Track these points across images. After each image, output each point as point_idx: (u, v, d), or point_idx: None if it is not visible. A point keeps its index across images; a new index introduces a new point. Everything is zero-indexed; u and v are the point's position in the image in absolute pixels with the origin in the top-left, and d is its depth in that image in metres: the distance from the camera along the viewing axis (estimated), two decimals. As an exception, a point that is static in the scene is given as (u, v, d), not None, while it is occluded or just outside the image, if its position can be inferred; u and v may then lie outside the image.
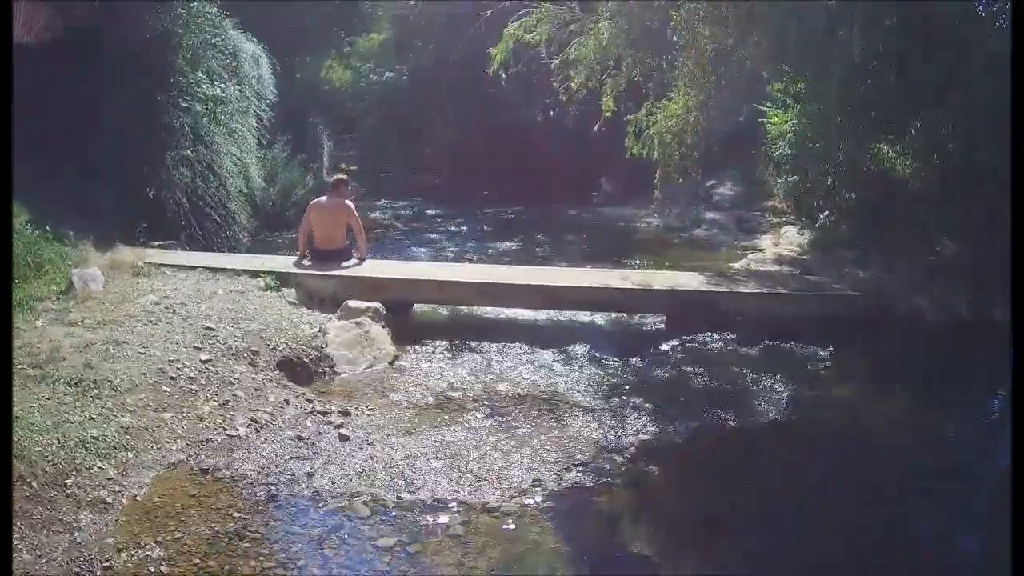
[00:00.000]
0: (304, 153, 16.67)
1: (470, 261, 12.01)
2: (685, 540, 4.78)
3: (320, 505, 4.67)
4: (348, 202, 9.23)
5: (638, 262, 12.40)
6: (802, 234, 13.34)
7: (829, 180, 12.26)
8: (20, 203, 8.08)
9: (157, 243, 9.93)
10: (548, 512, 4.77)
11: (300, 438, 5.44)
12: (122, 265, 8.48)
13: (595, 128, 10.91)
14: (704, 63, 9.86)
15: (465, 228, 15.52)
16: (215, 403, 5.63)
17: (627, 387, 6.93)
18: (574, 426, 6.01)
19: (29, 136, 7.60)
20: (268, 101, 13.60)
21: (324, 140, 20.01)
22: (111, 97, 10.25)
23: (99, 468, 4.69)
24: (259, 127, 13.29)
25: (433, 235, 14.63)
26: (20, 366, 5.51)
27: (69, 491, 4.46)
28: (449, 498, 4.80)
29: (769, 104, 13.83)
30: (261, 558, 4.13)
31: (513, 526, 4.60)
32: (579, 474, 5.24)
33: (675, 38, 9.24)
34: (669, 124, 11.02)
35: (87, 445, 4.81)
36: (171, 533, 4.26)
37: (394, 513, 4.65)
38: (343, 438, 5.52)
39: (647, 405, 6.48)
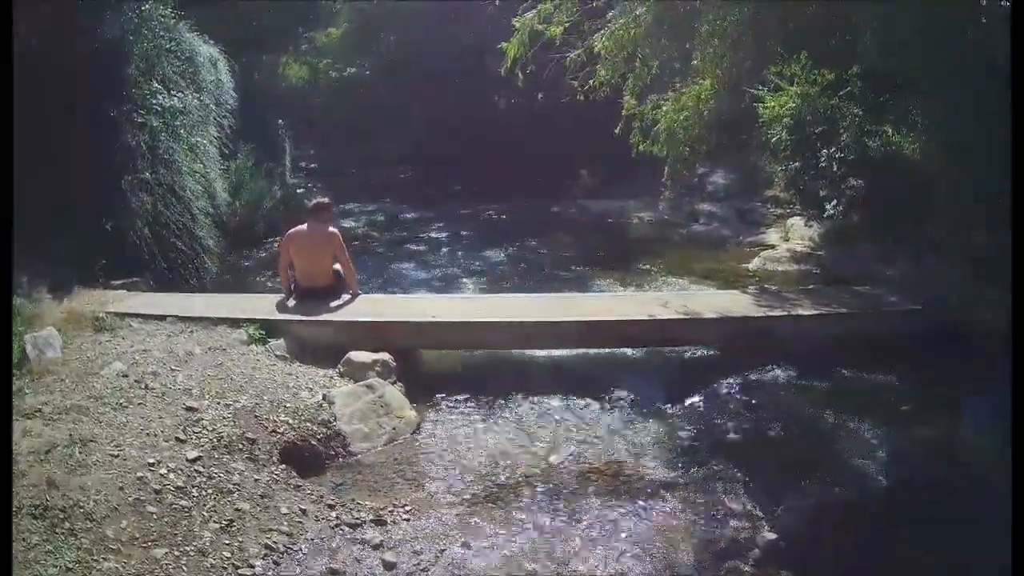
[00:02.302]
0: (268, 158, 15.35)
1: (469, 279, 10.96)
2: None
3: None
4: (333, 229, 7.95)
5: (648, 267, 11.44)
6: (810, 226, 12.64)
7: (835, 166, 11.48)
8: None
9: (119, 282, 8.68)
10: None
11: (334, 572, 4.26)
12: (81, 318, 7.19)
13: (616, 130, 9.86)
14: (724, 49, 8.87)
15: (447, 233, 14.39)
16: (216, 525, 4.41)
17: (700, 447, 5.90)
18: (664, 513, 4.96)
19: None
20: (228, 107, 12.24)
21: (287, 142, 18.68)
22: (58, 116, 8.89)
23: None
24: (220, 136, 11.93)
25: (415, 246, 13.42)
26: (-30, 489, 4.26)
27: None
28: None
29: (761, 87, 13.02)
30: None
31: None
32: (701, 596, 4.13)
33: (698, 24, 8.15)
34: (679, 117, 10.06)
35: (69, 618, 3.60)
36: None
37: None
38: (388, 565, 4.34)
39: (735, 473, 5.45)
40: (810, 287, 9.61)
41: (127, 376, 5.97)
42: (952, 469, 5.59)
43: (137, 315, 7.44)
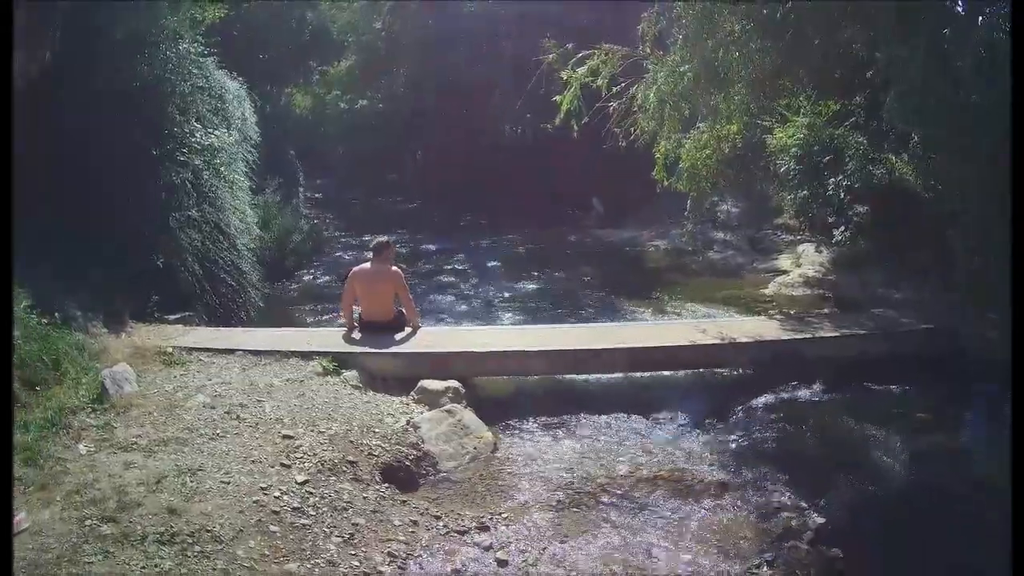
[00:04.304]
0: (287, 192, 15.75)
1: (505, 310, 11.54)
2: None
3: None
4: (395, 269, 8.37)
5: (673, 294, 12.01)
6: (820, 252, 13.02)
7: (841, 194, 11.91)
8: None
9: (174, 317, 9.01)
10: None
11: (457, 572, 4.71)
12: (147, 353, 7.53)
13: (654, 177, 10.39)
14: (749, 95, 9.40)
15: (472, 265, 14.91)
16: (338, 539, 4.80)
17: (747, 454, 6.46)
18: (725, 509, 5.58)
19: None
20: (253, 142, 12.59)
21: (299, 173, 19.08)
22: (104, 153, 9.19)
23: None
24: (247, 171, 12.26)
25: (445, 277, 13.93)
26: (89, 521, 4.54)
27: None
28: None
29: (768, 118, 13.48)
30: None
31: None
32: (771, 571, 4.83)
33: (731, 73, 8.65)
34: (702, 155, 10.55)
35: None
36: None
37: None
38: (501, 563, 4.82)
39: (780, 475, 6.00)
40: (826, 311, 10.14)
41: (214, 408, 6.32)
42: (961, 472, 6.21)
43: (204, 349, 7.79)
